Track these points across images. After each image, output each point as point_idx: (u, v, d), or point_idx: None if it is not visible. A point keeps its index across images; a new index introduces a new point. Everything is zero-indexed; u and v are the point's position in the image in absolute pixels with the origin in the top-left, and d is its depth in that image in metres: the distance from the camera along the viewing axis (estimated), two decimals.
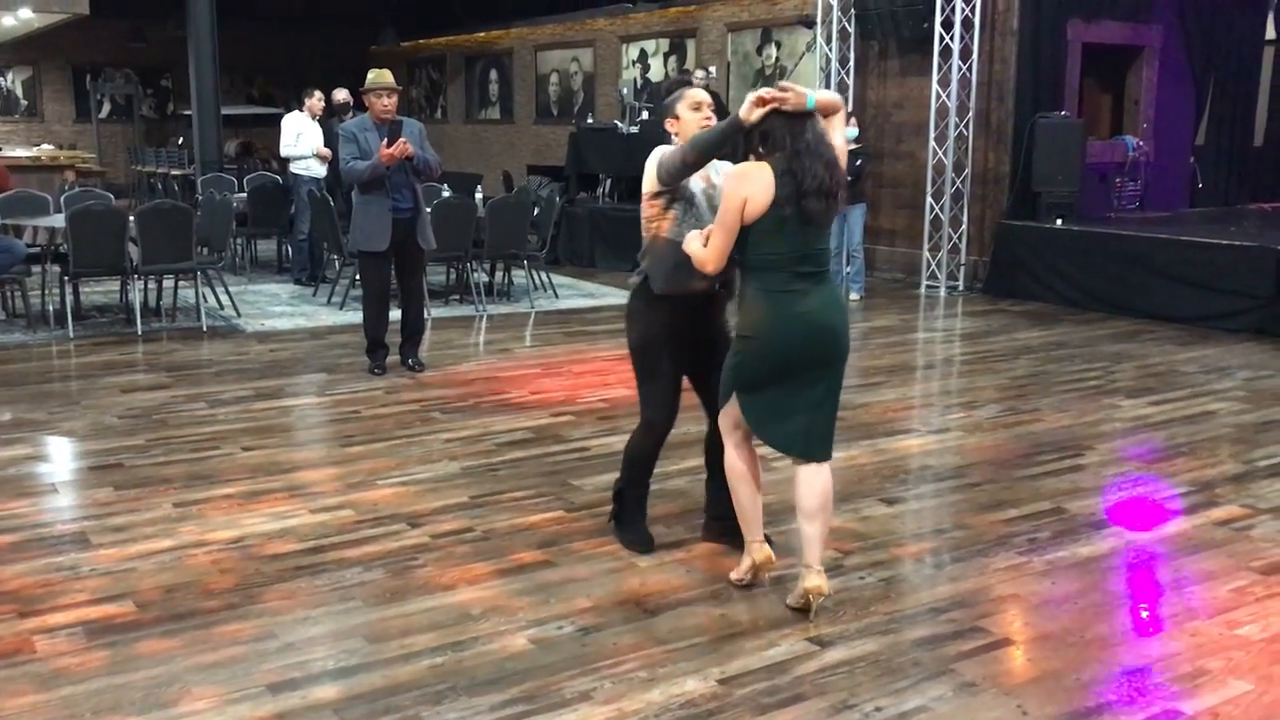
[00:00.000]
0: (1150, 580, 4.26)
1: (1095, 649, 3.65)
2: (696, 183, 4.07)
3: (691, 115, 4.08)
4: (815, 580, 3.80)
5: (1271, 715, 3.25)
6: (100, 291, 10.15)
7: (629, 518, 4.49)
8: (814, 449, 3.84)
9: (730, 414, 3.97)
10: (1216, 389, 7.18)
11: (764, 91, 3.65)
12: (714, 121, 4.03)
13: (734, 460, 4.01)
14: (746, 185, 3.66)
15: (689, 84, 4.32)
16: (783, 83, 3.69)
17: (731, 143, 3.81)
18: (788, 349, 3.72)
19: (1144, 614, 3.96)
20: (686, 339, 4.21)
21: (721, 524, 4.38)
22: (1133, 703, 3.31)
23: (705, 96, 4.16)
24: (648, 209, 4.11)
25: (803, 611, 3.85)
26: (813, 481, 3.84)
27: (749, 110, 3.65)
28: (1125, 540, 4.62)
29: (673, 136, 4.14)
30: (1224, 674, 3.48)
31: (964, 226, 11.04)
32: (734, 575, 4.09)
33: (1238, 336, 8.77)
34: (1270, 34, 13.20)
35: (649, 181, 4.06)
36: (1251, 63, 12.99)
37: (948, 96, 10.84)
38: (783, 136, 3.65)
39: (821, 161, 3.64)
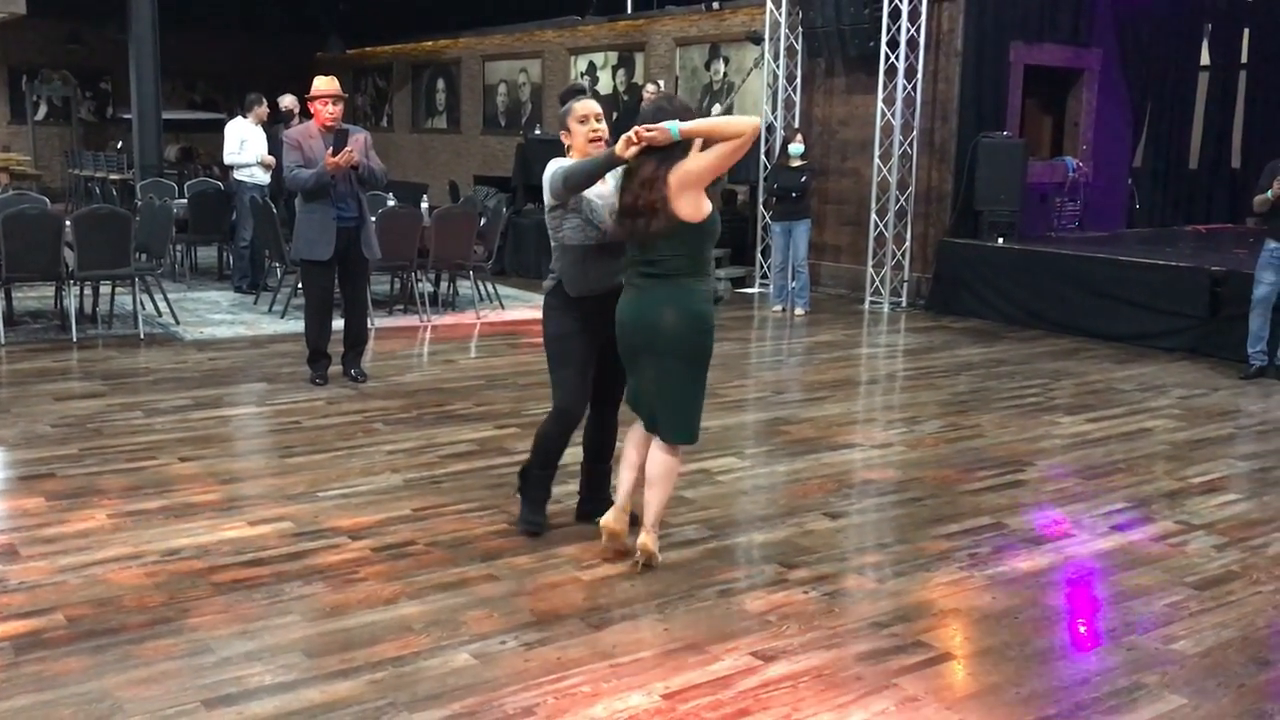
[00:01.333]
0: (1088, 595, 4.32)
1: (1035, 663, 3.69)
2: (593, 191, 4.29)
3: (579, 128, 4.35)
4: (645, 538, 4.28)
5: None
6: (34, 297, 9.93)
7: (532, 494, 4.67)
8: (657, 426, 4.26)
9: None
10: (1152, 407, 7.31)
11: (633, 133, 3.98)
12: (604, 130, 4.35)
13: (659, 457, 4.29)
14: None
15: (582, 92, 4.54)
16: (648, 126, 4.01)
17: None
18: (619, 330, 4.23)
19: (1082, 629, 4.01)
20: (598, 333, 4.40)
21: (591, 505, 4.74)
22: (1071, 716, 3.34)
23: (593, 108, 4.40)
24: (550, 220, 4.38)
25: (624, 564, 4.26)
26: (655, 454, 4.29)
27: (623, 148, 4.00)
28: (1064, 555, 4.67)
29: (567, 149, 4.40)
30: (1160, 688, 3.53)
31: (907, 244, 11.16)
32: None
33: (1173, 355, 8.94)
34: (1205, 60, 13.51)
35: (545, 195, 4.33)
36: (1187, 87, 13.30)
37: (892, 115, 10.96)
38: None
39: (637, 181, 4.04)
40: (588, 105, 4.37)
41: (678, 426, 4.23)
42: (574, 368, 4.47)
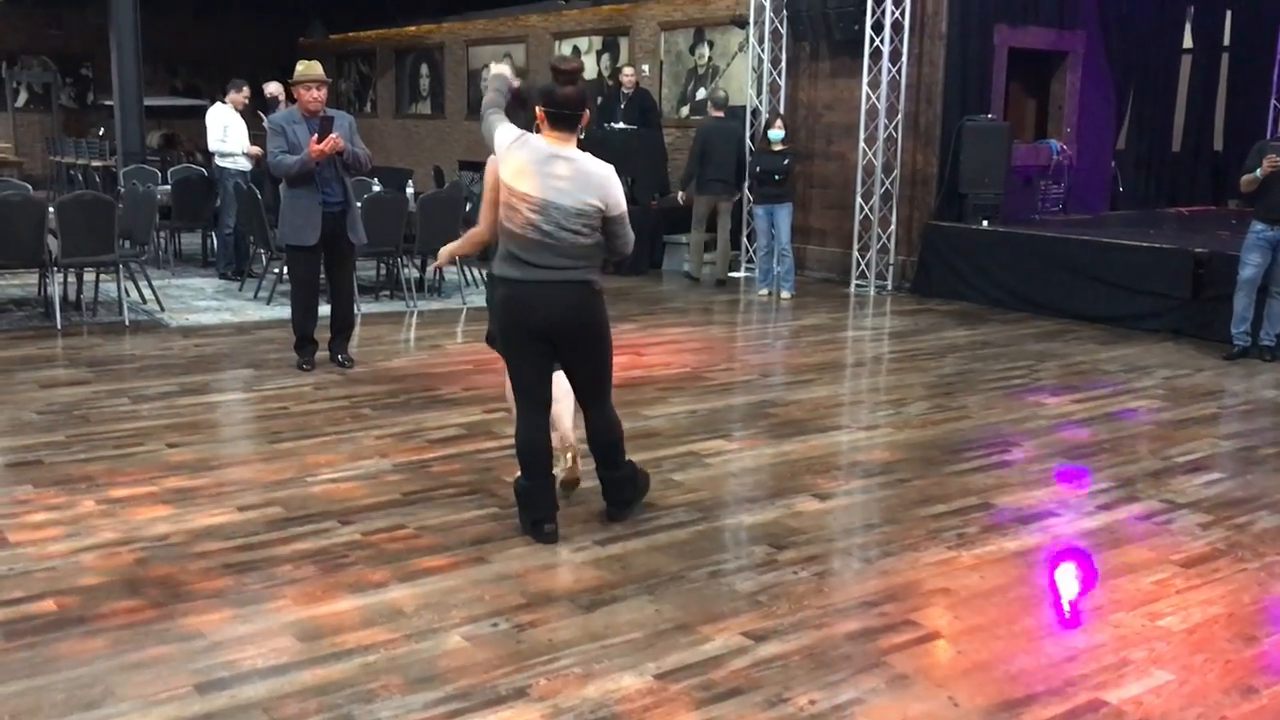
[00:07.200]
0: (1075, 573, 4.35)
1: (1023, 641, 3.72)
2: None
3: None
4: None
5: (1192, 704, 3.33)
6: (17, 285, 9.88)
7: (641, 481, 4.79)
8: None
9: None
10: (1137, 387, 7.35)
11: None
12: None
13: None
14: None
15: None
16: None
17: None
18: None
19: (1069, 607, 4.04)
20: None
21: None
22: (1060, 693, 3.37)
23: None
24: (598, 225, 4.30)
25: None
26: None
27: None
28: (1051, 534, 4.71)
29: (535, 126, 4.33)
30: (1147, 664, 3.56)
31: (892, 227, 11.17)
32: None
33: (1156, 336, 8.99)
34: (1188, 43, 13.55)
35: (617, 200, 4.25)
36: (1170, 70, 13.33)
37: (877, 98, 10.96)
38: None
39: None
40: None
41: None
42: None
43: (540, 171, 4.17)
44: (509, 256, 4.27)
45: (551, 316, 4.27)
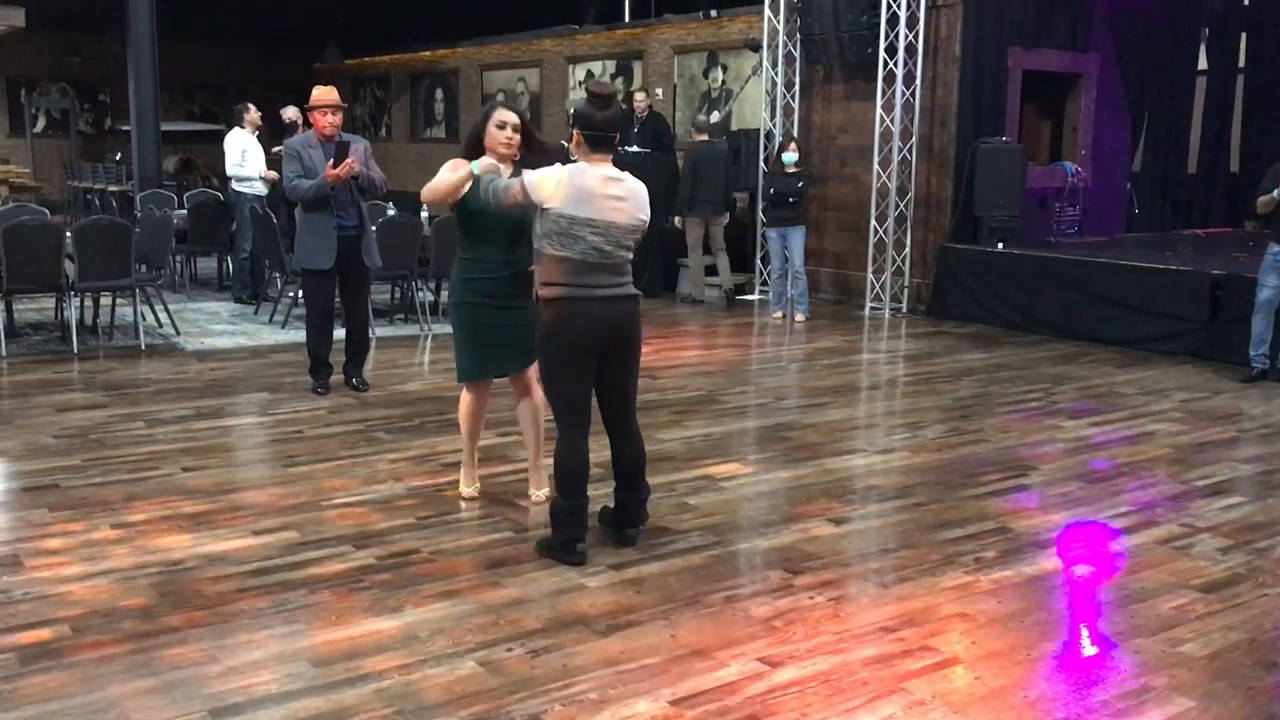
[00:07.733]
0: (1094, 598, 4.31)
1: (1042, 667, 3.68)
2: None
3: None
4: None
5: None
6: (34, 309, 9.94)
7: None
8: None
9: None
10: (1155, 410, 7.31)
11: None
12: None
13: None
14: None
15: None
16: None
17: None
18: None
19: (1088, 632, 4.00)
20: None
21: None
22: None
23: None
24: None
25: None
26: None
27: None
28: (1069, 559, 4.67)
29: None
30: (1168, 691, 3.52)
31: (907, 249, 11.17)
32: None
33: (1174, 359, 8.94)
34: (1203, 64, 13.54)
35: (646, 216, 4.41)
36: (1185, 92, 13.32)
37: (891, 121, 10.97)
38: None
39: None
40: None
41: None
42: None
43: (601, 195, 4.28)
44: (558, 281, 4.31)
45: (613, 330, 4.37)
